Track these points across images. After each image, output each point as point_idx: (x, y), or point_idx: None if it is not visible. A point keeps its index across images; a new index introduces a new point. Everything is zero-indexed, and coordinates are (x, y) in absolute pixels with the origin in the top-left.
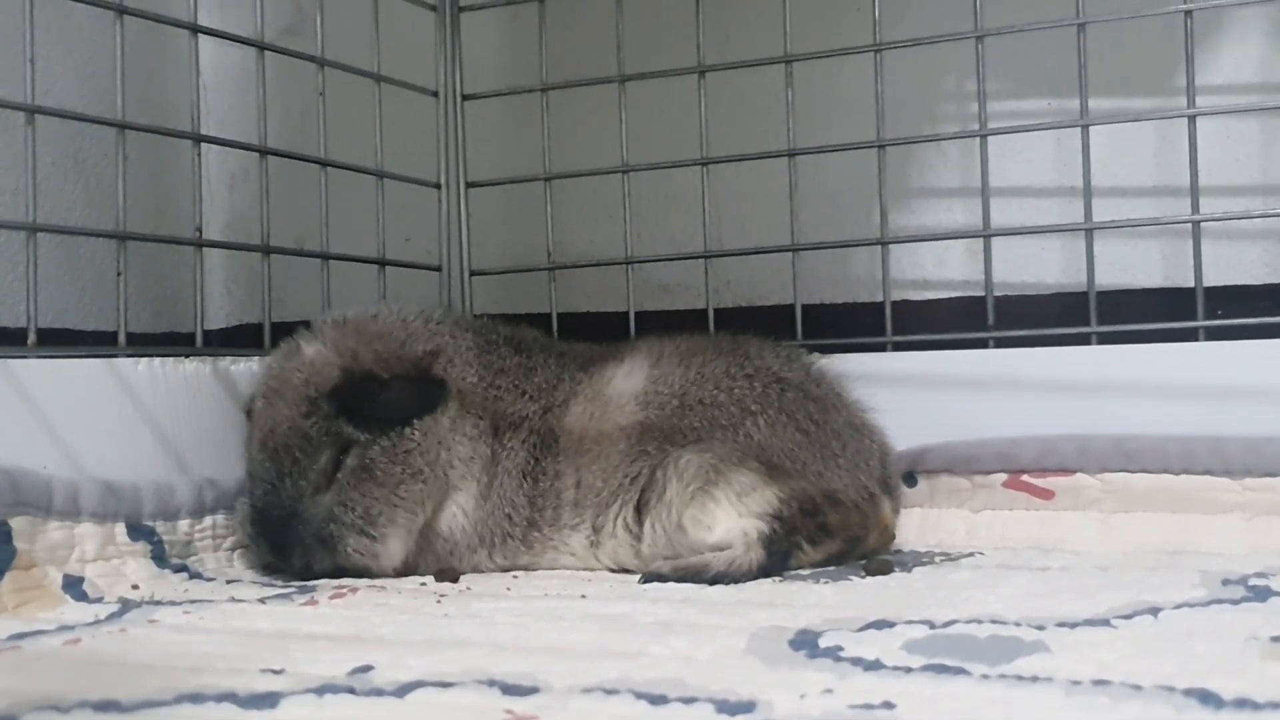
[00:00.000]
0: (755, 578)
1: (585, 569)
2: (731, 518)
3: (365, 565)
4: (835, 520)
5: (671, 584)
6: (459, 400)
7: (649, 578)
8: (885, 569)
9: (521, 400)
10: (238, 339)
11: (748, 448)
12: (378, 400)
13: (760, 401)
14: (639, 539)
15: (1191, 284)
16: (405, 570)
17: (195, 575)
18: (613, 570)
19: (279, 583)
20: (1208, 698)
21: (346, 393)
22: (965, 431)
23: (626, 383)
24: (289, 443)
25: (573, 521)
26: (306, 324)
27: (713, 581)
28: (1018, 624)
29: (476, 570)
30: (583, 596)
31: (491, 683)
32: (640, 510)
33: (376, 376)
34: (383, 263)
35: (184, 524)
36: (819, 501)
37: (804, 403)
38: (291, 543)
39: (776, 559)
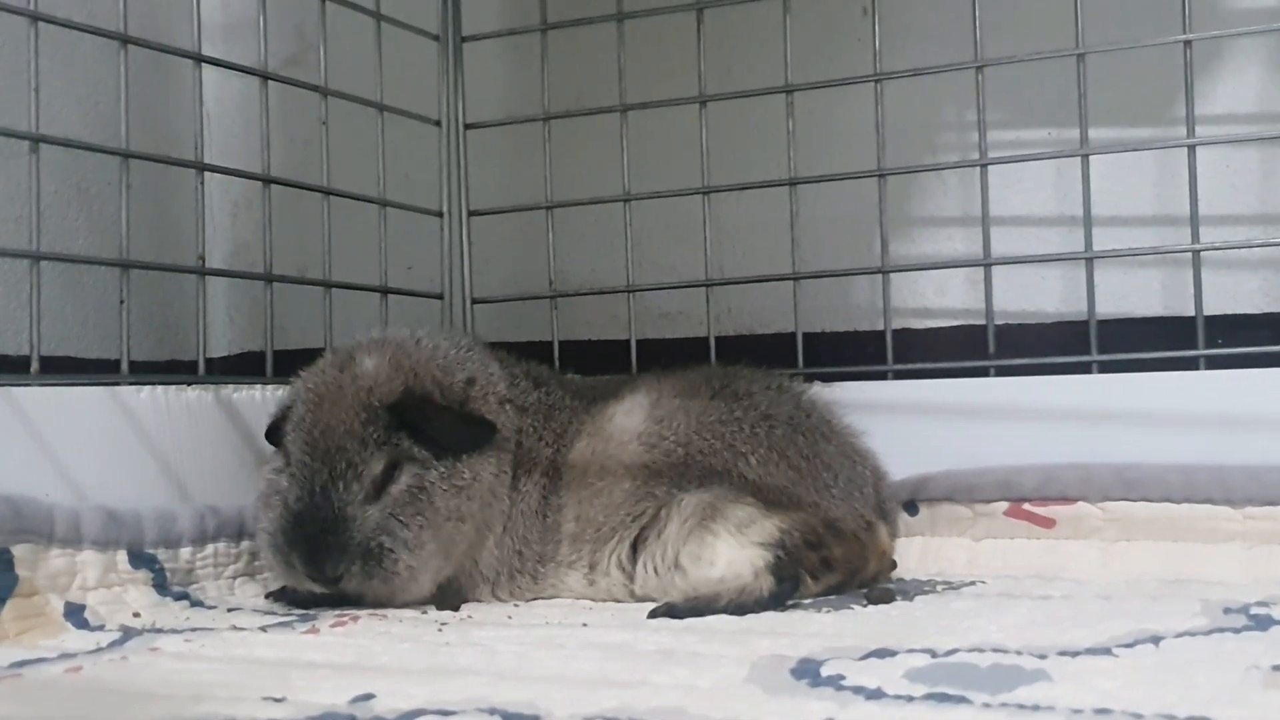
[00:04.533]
0: (767, 607)
1: (586, 598)
2: (734, 549)
3: (403, 587)
4: (837, 553)
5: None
6: (498, 447)
7: (659, 612)
8: (887, 597)
9: (541, 444)
10: (240, 367)
11: (743, 487)
12: (436, 424)
13: (750, 442)
14: (631, 579)
15: (1192, 313)
16: (424, 602)
17: (197, 603)
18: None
19: (279, 610)
20: None
21: (410, 408)
22: (966, 460)
23: (628, 420)
24: (344, 445)
25: (570, 558)
26: (316, 351)
27: (726, 612)
28: (1019, 653)
29: (478, 603)
30: (584, 625)
31: (493, 711)
32: (636, 548)
33: (435, 400)
34: (385, 291)
35: (186, 551)
36: (821, 532)
37: (793, 437)
38: (332, 548)
39: (787, 586)
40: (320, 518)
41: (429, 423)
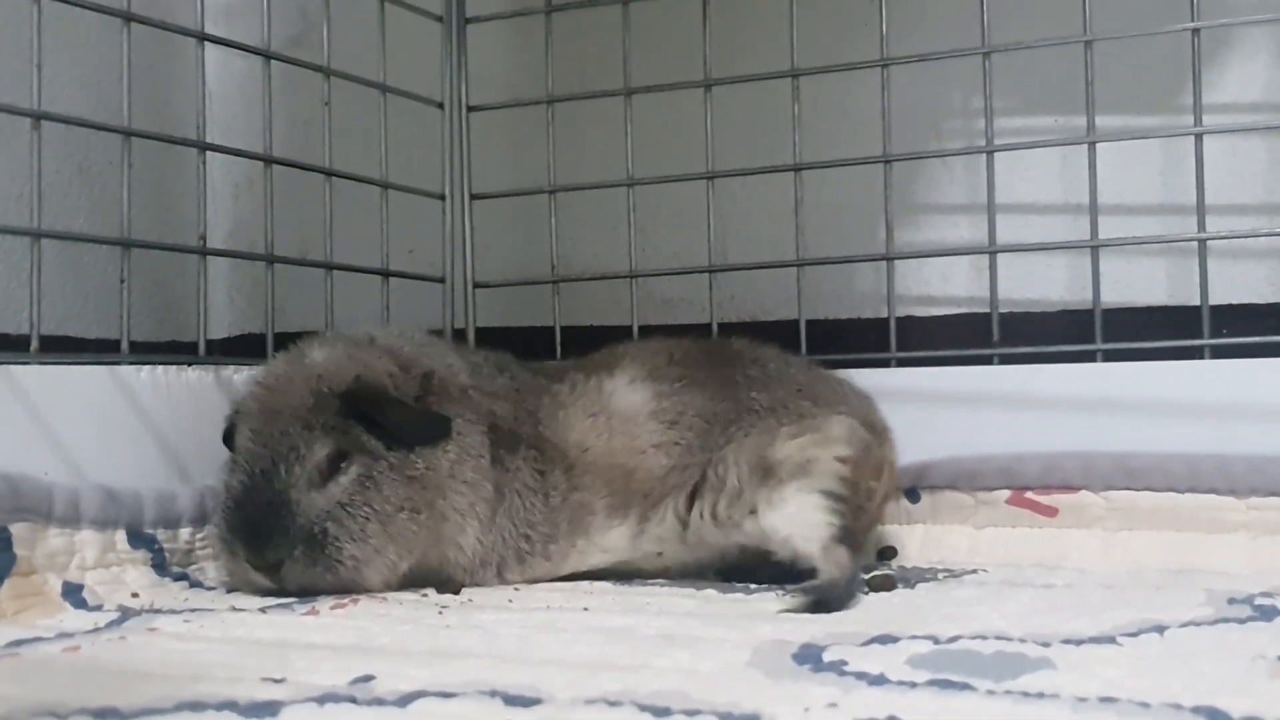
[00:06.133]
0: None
1: (618, 562)
2: (798, 495)
3: (349, 579)
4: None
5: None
6: (458, 442)
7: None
8: (889, 585)
9: (518, 424)
10: (240, 348)
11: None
12: (389, 415)
13: (758, 385)
14: (686, 525)
15: (1197, 302)
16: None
17: (196, 584)
18: (657, 557)
19: (244, 596)
20: (1216, 715)
21: (360, 397)
22: (969, 448)
23: (631, 398)
24: (288, 430)
25: (609, 523)
26: (310, 334)
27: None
28: (1022, 640)
29: (481, 586)
30: (585, 609)
31: (494, 693)
32: (691, 499)
33: (387, 392)
34: (386, 274)
35: (185, 532)
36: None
37: (786, 369)
38: (273, 533)
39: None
40: (261, 501)
41: (381, 412)
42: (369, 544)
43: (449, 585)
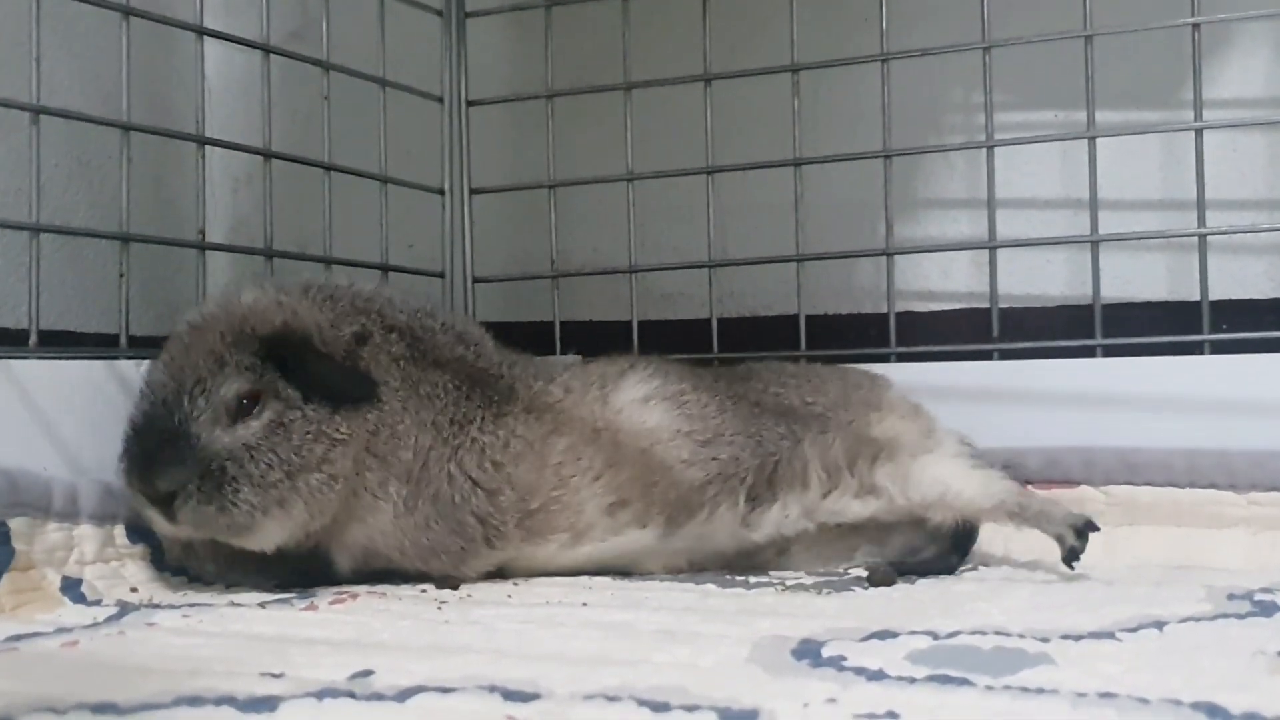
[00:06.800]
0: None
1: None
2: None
3: (245, 525)
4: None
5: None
6: (381, 411)
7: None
8: (888, 580)
9: (465, 403)
10: None
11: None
12: (307, 364)
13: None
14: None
15: (1197, 298)
16: (301, 563)
17: (195, 579)
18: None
19: (243, 592)
20: (1215, 711)
21: (282, 342)
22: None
23: (649, 415)
24: (200, 362)
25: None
26: None
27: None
28: (1022, 636)
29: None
30: (584, 604)
31: (493, 688)
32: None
33: (311, 342)
34: (385, 268)
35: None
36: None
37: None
38: (168, 464)
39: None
40: (159, 429)
41: (299, 361)
42: (270, 493)
43: (448, 580)
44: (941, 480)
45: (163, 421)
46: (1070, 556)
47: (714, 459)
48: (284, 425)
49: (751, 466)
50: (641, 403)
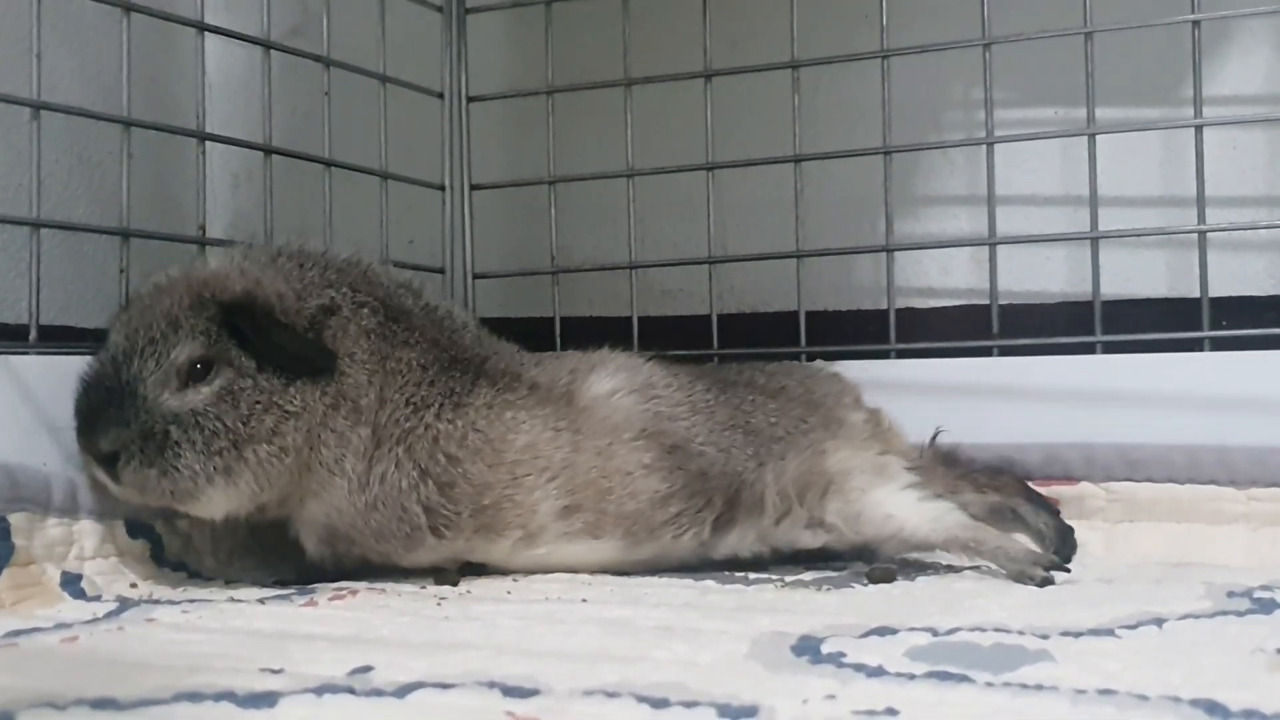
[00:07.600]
0: None
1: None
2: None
3: (187, 492)
4: None
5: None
6: (340, 385)
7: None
8: (888, 577)
9: (428, 387)
10: None
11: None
12: (264, 334)
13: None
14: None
15: (1197, 294)
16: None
17: (194, 574)
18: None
19: (243, 587)
20: (1215, 708)
21: (242, 311)
22: (969, 439)
23: (609, 411)
24: (153, 324)
25: (567, 528)
26: None
27: None
28: (1021, 633)
29: (387, 561)
30: (583, 600)
31: (492, 684)
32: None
33: (272, 311)
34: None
35: (184, 522)
36: None
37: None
38: (111, 422)
39: None
40: (105, 387)
41: (256, 329)
42: (214, 461)
43: (447, 576)
44: (893, 517)
45: (110, 380)
46: (1043, 584)
47: (679, 469)
48: (234, 394)
49: (720, 487)
50: (606, 397)
